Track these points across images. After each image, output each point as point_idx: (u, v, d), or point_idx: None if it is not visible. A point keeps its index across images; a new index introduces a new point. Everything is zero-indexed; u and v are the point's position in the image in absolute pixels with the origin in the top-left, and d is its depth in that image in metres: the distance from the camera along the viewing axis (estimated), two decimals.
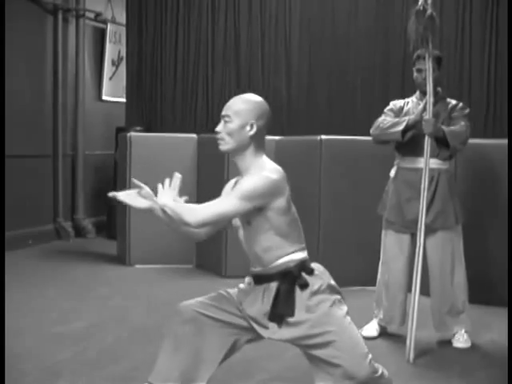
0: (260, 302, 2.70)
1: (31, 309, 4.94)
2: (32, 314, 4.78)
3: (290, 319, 2.62)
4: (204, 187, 6.49)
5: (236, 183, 2.76)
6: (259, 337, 2.78)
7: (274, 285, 2.67)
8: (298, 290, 2.64)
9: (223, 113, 2.72)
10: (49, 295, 5.38)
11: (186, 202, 2.63)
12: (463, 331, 4.36)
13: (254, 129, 2.67)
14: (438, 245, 4.33)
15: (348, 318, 2.65)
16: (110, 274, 6.33)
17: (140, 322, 4.71)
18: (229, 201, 2.58)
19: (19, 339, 4.17)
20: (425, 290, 4.28)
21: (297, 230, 2.71)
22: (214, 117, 6.99)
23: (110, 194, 2.68)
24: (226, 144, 2.70)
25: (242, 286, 2.81)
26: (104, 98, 8.88)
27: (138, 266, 6.57)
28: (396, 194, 4.40)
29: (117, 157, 7.37)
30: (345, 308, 2.68)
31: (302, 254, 2.71)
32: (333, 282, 2.71)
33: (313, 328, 2.60)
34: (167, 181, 2.64)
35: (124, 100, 7.99)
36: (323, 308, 2.62)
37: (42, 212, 7.89)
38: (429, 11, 3.96)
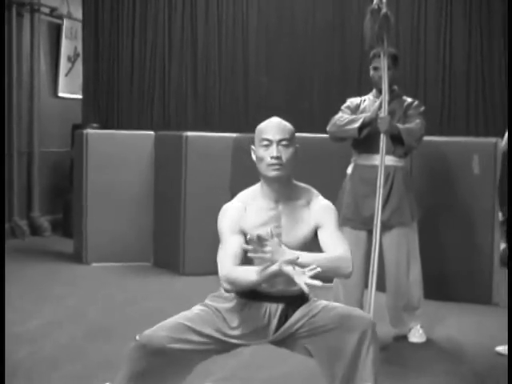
0: (261, 318, 2.66)
1: None
2: None
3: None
4: (161, 184, 6.46)
5: (247, 210, 2.62)
6: (228, 351, 2.76)
7: (279, 306, 2.65)
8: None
9: (280, 136, 2.56)
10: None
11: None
12: (419, 326, 4.42)
13: (297, 153, 2.62)
14: (394, 241, 4.37)
15: None
16: (66, 272, 6.26)
17: (97, 321, 4.67)
18: (340, 235, 2.60)
19: None
20: (381, 287, 4.33)
21: None
22: (171, 114, 6.97)
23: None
24: (284, 170, 2.58)
25: (224, 305, 2.70)
26: (60, 94, 8.78)
27: (94, 265, 6.51)
28: (353, 190, 4.43)
29: (73, 154, 7.30)
30: None
31: None
32: None
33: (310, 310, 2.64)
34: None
35: (80, 97, 7.90)
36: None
37: None
38: (383, 10, 4.02)
